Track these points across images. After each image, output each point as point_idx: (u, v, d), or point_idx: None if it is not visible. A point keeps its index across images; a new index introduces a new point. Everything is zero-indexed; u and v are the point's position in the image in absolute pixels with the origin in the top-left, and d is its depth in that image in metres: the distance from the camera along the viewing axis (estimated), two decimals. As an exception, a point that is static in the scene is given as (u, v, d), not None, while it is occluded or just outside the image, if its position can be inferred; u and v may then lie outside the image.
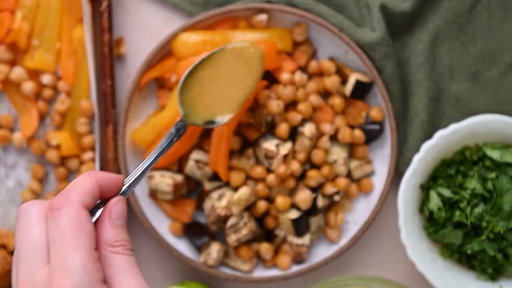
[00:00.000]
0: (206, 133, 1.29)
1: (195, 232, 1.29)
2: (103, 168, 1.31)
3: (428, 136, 1.30)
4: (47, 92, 1.31)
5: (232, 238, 1.26)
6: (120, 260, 0.90)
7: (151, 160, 1.06)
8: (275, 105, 1.25)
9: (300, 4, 1.27)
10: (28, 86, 1.30)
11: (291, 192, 1.28)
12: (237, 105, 1.19)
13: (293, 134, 1.27)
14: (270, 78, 1.29)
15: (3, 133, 1.31)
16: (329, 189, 1.28)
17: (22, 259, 0.89)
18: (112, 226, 0.92)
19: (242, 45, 1.21)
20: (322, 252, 1.30)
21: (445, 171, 1.26)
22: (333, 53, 1.30)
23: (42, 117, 1.32)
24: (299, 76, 1.27)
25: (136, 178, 1.01)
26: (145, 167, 1.04)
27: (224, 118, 1.18)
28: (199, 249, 1.28)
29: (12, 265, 0.91)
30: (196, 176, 1.28)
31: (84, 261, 0.86)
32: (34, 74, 1.31)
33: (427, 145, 1.24)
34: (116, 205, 0.93)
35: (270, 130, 1.27)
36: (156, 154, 1.08)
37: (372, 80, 1.28)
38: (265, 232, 1.30)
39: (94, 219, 0.92)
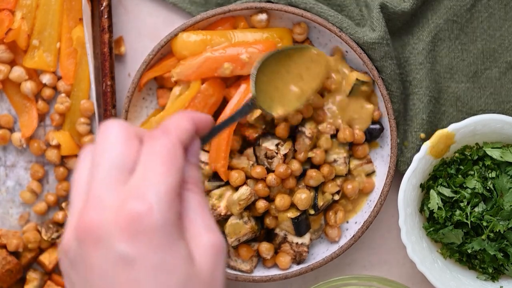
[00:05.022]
0: (206, 133, 1.29)
1: (195, 232, 1.29)
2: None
3: (428, 135, 1.29)
4: (47, 92, 1.31)
5: (232, 238, 1.26)
6: (192, 197, 0.89)
7: (227, 118, 1.11)
8: (275, 105, 1.25)
9: (300, 3, 1.27)
10: (28, 86, 1.30)
11: (291, 192, 1.28)
12: (296, 105, 1.22)
13: (293, 134, 1.27)
14: (270, 77, 1.29)
15: (3, 133, 1.31)
16: (329, 188, 1.27)
17: (97, 174, 0.87)
18: (186, 163, 0.91)
19: (319, 52, 1.23)
20: (322, 252, 1.30)
21: (445, 171, 1.26)
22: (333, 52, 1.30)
23: (42, 117, 1.32)
24: (299, 76, 1.27)
25: (214, 129, 1.03)
26: (223, 121, 1.08)
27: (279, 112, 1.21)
28: (199, 249, 1.28)
29: (74, 185, 0.89)
30: (196, 175, 1.28)
31: (168, 189, 0.85)
32: (34, 74, 1.31)
33: (427, 145, 1.24)
34: (192, 145, 0.93)
35: (270, 130, 1.27)
36: (231, 117, 1.12)
37: (372, 80, 1.28)
38: (265, 231, 1.30)
39: None
